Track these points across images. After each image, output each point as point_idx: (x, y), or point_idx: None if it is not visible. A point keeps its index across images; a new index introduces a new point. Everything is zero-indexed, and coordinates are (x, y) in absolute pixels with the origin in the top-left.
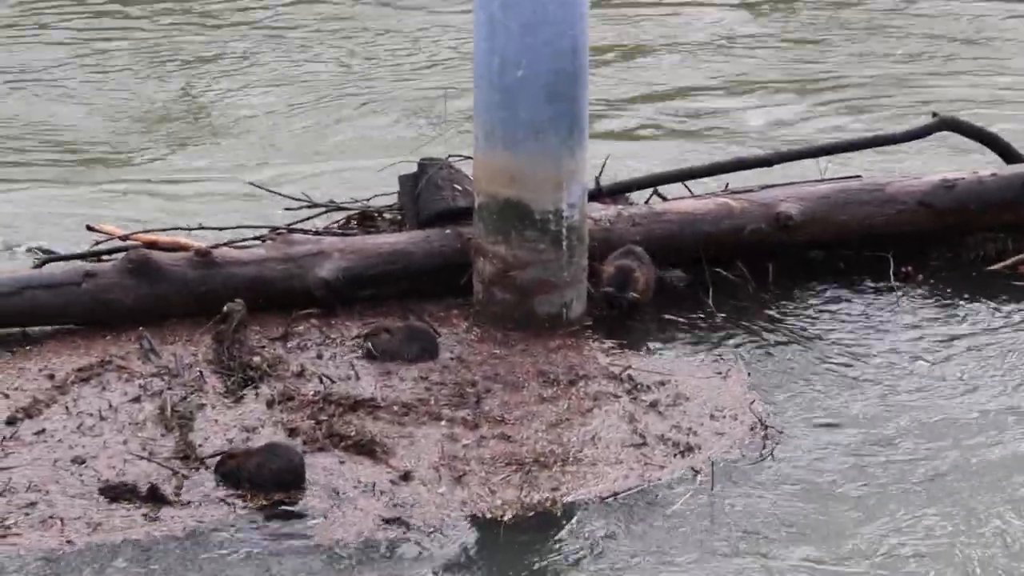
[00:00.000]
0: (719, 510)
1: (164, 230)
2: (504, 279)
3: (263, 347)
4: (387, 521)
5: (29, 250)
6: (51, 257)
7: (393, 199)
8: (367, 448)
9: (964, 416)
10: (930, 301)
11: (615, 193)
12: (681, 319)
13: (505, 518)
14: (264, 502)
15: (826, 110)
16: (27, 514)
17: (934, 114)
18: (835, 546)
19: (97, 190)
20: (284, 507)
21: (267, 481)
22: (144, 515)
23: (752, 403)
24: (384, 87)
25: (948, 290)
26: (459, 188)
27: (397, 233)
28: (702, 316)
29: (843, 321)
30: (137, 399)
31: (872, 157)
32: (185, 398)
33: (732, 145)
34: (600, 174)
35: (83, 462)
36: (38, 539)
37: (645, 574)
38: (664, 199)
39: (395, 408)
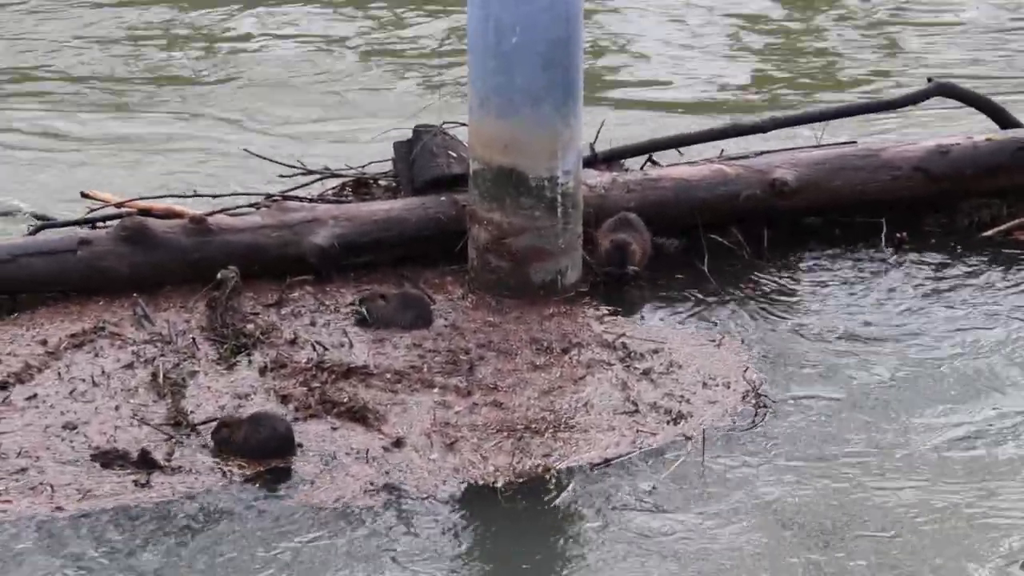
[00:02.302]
0: (710, 477)
1: (159, 197)
2: (499, 246)
3: (257, 314)
4: (378, 486)
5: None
6: (46, 224)
7: (388, 166)
8: (359, 415)
9: (957, 385)
10: (924, 267)
11: (610, 159)
12: (676, 286)
13: (497, 484)
14: (257, 468)
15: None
16: (17, 480)
17: (929, 79)
18: (825, 515)
19: (94, 154)
20: (274, 473)
21: (254, 450)
22: (135, 481)
23: (745, 371)
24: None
25: (942, 256)
26: (454, 155)
27: (392, 200)
28: (697, 283)
29: (838, 288)
30: (130, 366)
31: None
32: (178, 365)
33: (726, 112)
34: (595, 140)
35: (74, 428)
36: (28, 505)
37: (635, 539)
38: (657, 164)
39: (388, 375)
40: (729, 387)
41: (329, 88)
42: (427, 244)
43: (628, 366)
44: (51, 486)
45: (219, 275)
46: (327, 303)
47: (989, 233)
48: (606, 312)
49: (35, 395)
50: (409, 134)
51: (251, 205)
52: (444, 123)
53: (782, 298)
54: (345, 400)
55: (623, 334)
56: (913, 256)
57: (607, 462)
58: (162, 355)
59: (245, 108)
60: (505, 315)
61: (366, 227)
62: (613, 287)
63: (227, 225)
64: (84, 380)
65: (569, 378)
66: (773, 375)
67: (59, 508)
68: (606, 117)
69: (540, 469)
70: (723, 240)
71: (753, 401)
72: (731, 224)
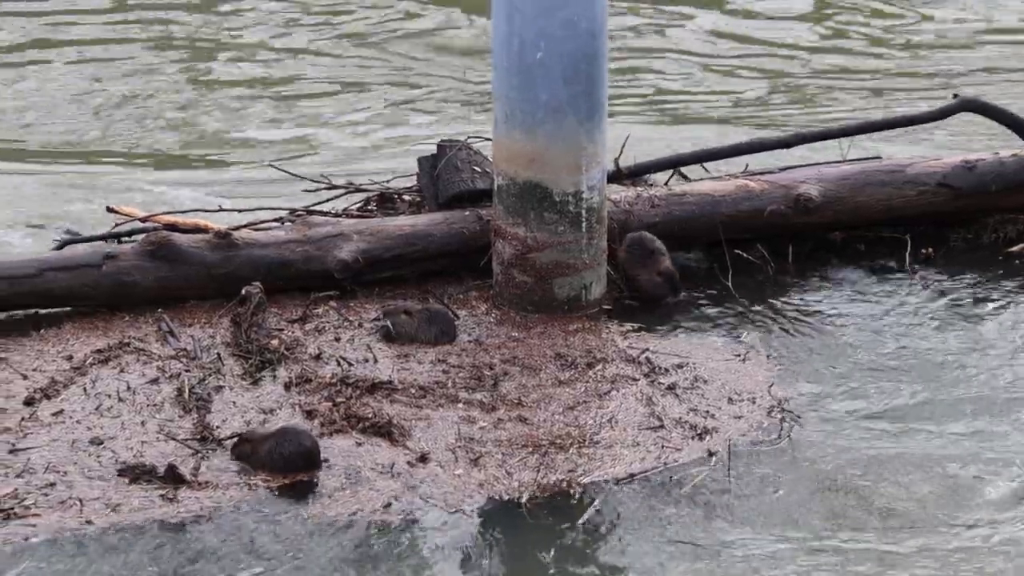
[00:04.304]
0: (735, 493)
1: (184, 212)
2: (523, 261)
3: (281, 329)
4: (404, 501)
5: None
6: (71, 239)
7: (412, 180)
8: (384, 430)
9: (983, 402)
10: (949, 283)
11: (635, 175)
12: (700, 301)
13: (522, 499)
14: (283, 482)
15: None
16: (46, 495)
17: (955, 95)
18: (848, 529)
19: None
20: (300, 487)
21: (279, 465)
22: (162, 496)
23: (771, 386)
24: None
25: (967, 272)
26: (478, 169)
27: (416, 215)
28: (721, 298)
29: (863, 303)
30: (155, 381)
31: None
32: (203, 380)
33: (751, 127)
34: (619, 155)
35: (101, 443)
36: (57, 520)
37: (660, 555)
38: (687, 178)
39: (412, 390)
40: (754, 402)
41: (355, 101)
42: (451, 259)
43: (653, 381)
44: (80, 500)
45: (243, 291)
46: (351, 318)
47: (1015, 249)
48: (630, 327)
49: (62, 410)
50: (434, 148)
51: (276, 220)
52: (468, 137)
53: (807, 314)
54: (370, 415)
55: (647, 349)
56: (939, 272)
57: (632, 477)
58: (187, 370)
59: (271, 121)
60: (529, 330)
61: (390, 242)
62: (637, 302)
63: (252, 240)
64: (110, 395)
65: (594, 393)
66: (798, 391)
67: (89, 522)
68: (630, 131)
69: (565, 484)
70: (748, 255)
71: (779, 417)
72: (756, 239)
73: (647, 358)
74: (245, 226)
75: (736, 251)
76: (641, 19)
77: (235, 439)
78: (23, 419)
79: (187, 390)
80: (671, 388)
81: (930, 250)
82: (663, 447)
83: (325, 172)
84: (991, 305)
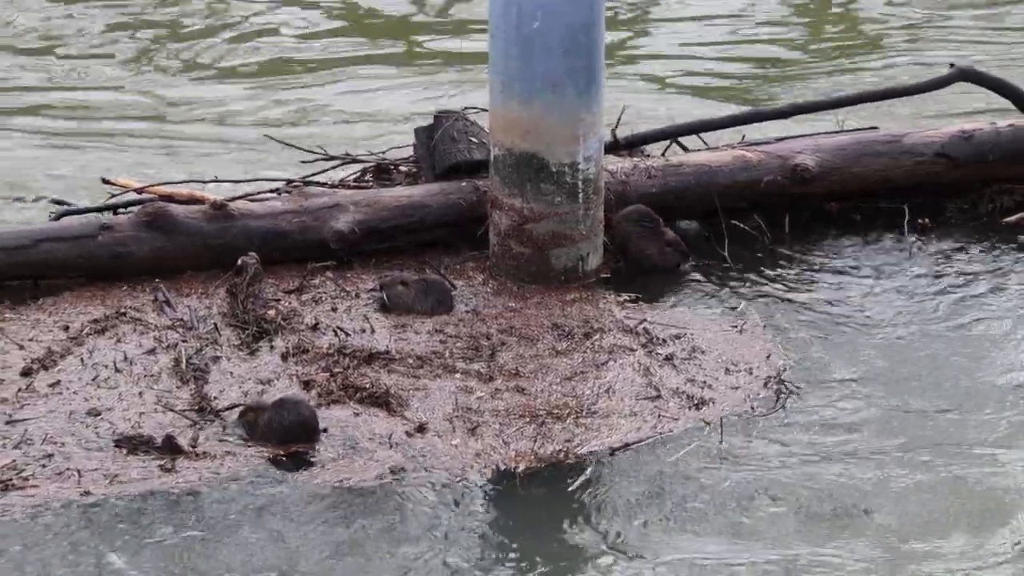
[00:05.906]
0: (729, 464)
1: (180, 183)
2: (520, 232)
3: (278, 300)
4: (402, 470)
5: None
6: (68, 210)
7: (409, 151)
8: (382, 400)
9: (980, 376)
10: (947, 254)
11: (632, 145)
12: (697, 272)
13: (519, 469)
14: (279, 452)
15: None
16: (44, 466)
17: (951, 65)
18: (839, 504)
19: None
20: (298, 458)
21: (278, 434)
22: (160, 466)
23: (768, 357)
24: None
25: (965, 242)
26: (475, 140)
27: (413, 186)
28: (718, 269)
29: (859, 274)
30: (152, 351)
31: None
32: (200, 350)
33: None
34: (616, 126)
35: (98, 414)
36: (56, 491)
37: (654, 525)
38: (686, 149)
39: (410, 361)
40: (751, 373)
41: (346, 72)
42: (448, 230)
43: (650, 351)
44: (78, 471)
45: (240, 261)
46: (348, 289)
47: (1012, 219)
48: (628, 297)
49: (58, 381)
50: (430, 119)
51: (272, 191)
52: (465, 108)
53: (803, 284)
54: (367, 385)
55: (645, 319)
56: (935, 242)
57: (628, 447)
58: (184, 341)
59: (267, 90)
60: (526, 301)
61: (387, 213)
62: (634, 273)
63: (248, 211)
64: (107, 366)
65: (591, 363)
66: (795, 361)
67: (87, 493)
68: (626, 102)
69: (562, 454)
70: (744, 226)
71: (775, 387)
72: (752, 209)
73: (644, 328)
74: (241, 197)
75: (732, 221)
76: None
77: (241, 409)
78: (20, 390)
79: (184, 360)
80: (668, 358)
81: (927, 220)
82: (660, 417)
83: (321, 143)
84: (988, 275)
